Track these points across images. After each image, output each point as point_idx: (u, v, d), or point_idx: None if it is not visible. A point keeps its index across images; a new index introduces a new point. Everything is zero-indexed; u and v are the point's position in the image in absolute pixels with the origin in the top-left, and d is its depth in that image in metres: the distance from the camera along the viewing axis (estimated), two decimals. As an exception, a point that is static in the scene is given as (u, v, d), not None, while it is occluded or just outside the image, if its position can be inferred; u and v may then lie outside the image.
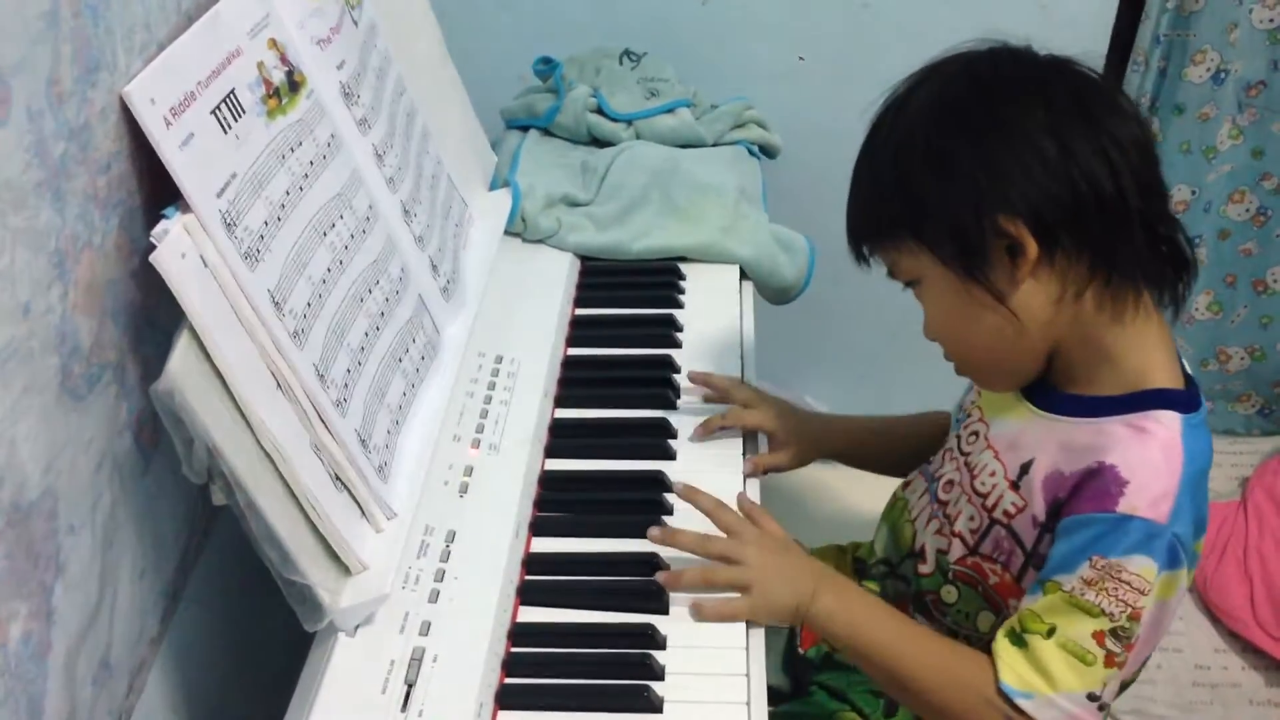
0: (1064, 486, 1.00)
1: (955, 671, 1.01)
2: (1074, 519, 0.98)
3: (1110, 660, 0.96)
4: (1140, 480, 0.96)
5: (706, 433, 1.23)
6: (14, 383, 0.77)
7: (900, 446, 1.32)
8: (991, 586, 1.08)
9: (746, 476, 1.21)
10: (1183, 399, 0.99)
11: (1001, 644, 0.99)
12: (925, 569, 1.14)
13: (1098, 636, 0.96)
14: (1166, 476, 0.96)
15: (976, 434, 1.13)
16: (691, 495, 1.11)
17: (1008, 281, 0.98)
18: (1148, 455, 0.96)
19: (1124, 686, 1.05)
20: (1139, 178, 0.97)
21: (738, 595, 1.04)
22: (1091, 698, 0.97)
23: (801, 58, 1.88)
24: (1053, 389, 1.05)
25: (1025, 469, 1.04)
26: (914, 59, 1.05)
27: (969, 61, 1.02)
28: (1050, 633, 0.97)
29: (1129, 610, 0.95)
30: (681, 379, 1.32)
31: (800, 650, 1.25)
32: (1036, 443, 1.04)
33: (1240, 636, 1.87)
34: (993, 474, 1.08)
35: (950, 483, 1.14)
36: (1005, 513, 1.06)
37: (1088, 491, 0.98)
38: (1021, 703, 0.97)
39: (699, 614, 1.03)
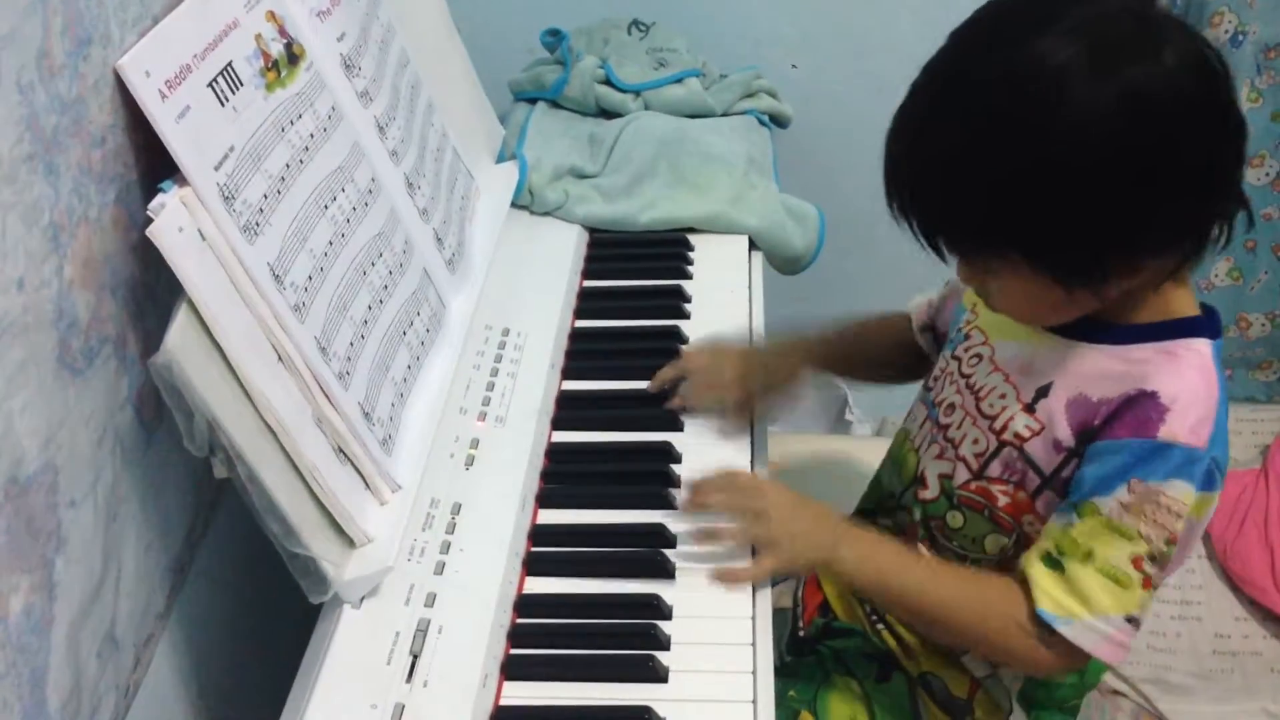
0: (1097, 413, 0.99)
1: (986, 602, 1.01)
2: (1109, 443, 0.97)
3: (1147, 583, 0.96)
4: (1181, 406, 0.95)
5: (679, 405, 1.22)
6: (9, 357, 0.77)
7: (871, 352, 1.29)
8: (1001, 509, 1.06)
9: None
10: (1208, 326, 0.99)
11: (1036, 569, 0.98)
12: (928, 494, 1.13)
13: (1135, 561, 0.96)
14: (1205, 401, 0.96)
15: (980, 356, 1.10)
16: (693, 501, 1.08)
17: (1115, 286, 0.95)
18: (1187, 382, 0.96)
19: None
20: (1237, 165, 0.94)
21: (761, 557, 1.04)
22: (1130, 620, 0.97)
23: (795, 65, 1.86)
24: None
25: (1043, 392, 1.03)
26: (927, 30, 0.99)
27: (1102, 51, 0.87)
28: (1088, 557, 0.96)
29: (1166, 534, 0.95)
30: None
31: (801, 632, 1.24)
32: (1054, 367, 1.02)
33: (1261, 605, 1.86)
34: (1002, 396, 1.06)
35: (951, 406, 1.12)
36: (1017, 435, 1.04)
37: (1127, 417, 0.97)
38: (1060, 629, 0.97)
39: (726, 579, 1.03)
